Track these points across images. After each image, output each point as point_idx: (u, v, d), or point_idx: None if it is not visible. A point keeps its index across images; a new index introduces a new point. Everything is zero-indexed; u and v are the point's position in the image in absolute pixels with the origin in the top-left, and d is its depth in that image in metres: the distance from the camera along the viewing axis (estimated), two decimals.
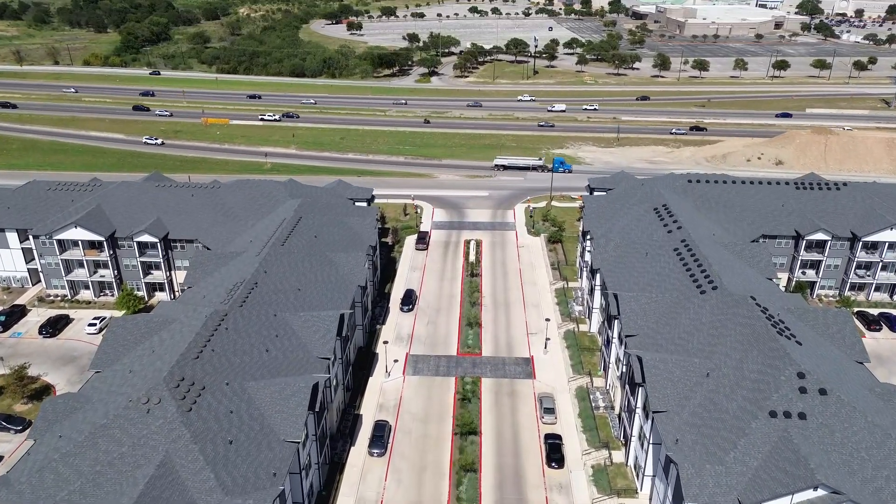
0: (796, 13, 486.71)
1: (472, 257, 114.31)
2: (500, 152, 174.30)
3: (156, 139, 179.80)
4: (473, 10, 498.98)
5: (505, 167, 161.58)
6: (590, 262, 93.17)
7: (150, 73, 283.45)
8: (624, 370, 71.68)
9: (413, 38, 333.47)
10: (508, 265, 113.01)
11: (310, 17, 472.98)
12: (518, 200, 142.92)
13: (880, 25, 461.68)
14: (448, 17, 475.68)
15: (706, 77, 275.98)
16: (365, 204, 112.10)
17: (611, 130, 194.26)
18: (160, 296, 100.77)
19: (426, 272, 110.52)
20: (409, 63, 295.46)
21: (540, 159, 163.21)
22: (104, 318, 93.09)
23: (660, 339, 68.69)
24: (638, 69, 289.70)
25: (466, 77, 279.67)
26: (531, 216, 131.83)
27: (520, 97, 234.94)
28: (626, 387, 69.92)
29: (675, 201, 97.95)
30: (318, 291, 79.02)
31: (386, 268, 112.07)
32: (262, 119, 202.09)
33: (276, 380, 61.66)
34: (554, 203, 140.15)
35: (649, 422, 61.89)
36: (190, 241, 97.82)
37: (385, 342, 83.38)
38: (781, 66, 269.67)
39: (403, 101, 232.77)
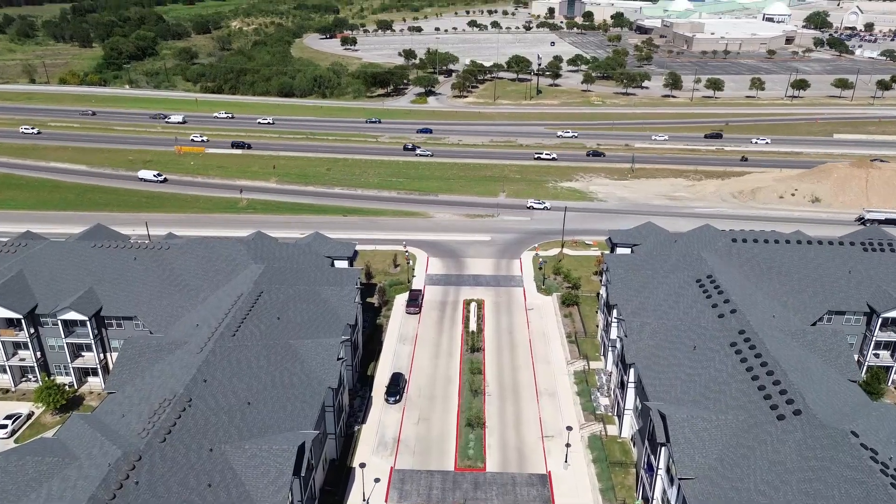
0: (804, 27, 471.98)
1: (472, 324, 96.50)
2: (503, 185, 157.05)
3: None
4: (472, 23, 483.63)
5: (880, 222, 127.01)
6: (619, 349, 75.39)
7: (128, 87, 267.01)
8: None
9: (409, 54, 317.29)
10: (516, 335, 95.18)
11: (303, 31, 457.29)
12: (525, 247, 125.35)
13: (892, 40, 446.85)
14: (446, 31, 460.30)
15: (720, 97, 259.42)
16: (345, 263, 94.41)
17: (623, 160, 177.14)
18: (93, 382, 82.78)
19: (418, 345, 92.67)
20: (405, 82, 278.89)
21: None
22: (19, 416, 75.33)
23: (727, 486, 50.84)
24: (647, 87, 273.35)
25: (465, 97, 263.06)
26: (540, 268, 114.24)
27: (559, 133, 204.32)
28: None
29: (720, 269, 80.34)
30: (274, 403, 61.16)
31: (370, 339, 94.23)
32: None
33: None
34: (566, 250, 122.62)
35: None
36: (128, 319, 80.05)
37: (362, 465, 65.46)
38: (800, 85, 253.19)
39: (376, 121, 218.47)
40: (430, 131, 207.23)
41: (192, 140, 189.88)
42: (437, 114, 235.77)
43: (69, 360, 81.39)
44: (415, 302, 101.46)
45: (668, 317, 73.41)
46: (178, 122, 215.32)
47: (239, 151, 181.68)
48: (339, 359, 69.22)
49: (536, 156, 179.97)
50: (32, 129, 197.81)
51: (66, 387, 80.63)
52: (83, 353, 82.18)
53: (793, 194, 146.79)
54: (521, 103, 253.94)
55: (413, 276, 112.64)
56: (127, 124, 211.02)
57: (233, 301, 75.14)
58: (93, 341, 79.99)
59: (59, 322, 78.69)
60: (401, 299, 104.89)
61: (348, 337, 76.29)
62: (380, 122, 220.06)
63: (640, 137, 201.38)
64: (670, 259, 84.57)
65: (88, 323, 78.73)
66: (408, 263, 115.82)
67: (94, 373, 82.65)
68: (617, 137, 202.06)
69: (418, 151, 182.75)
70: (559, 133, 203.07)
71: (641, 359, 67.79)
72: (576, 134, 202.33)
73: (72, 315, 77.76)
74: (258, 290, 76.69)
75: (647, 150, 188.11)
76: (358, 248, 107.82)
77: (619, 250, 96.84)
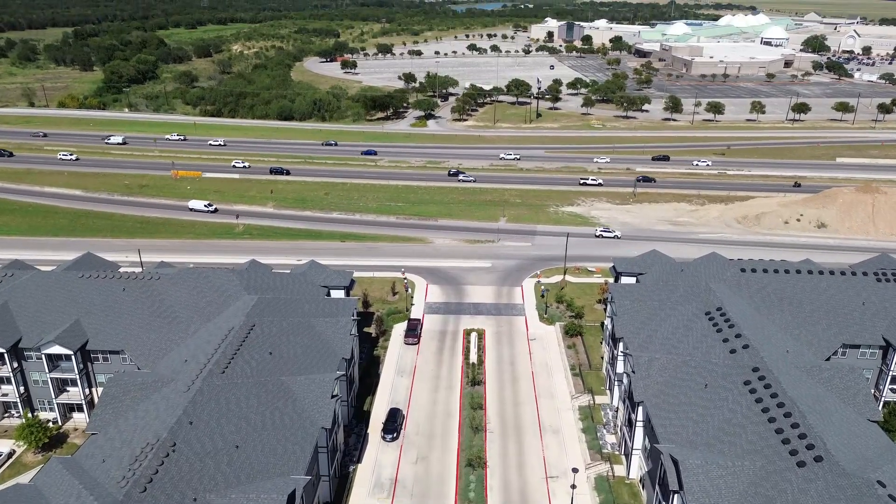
0: (802, 50, 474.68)
1: (472, 356, 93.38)
2: (504, 209, 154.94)
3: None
4: (472, 47, 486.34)
5: None
6: (626, 385, 72.24)
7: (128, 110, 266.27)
8: None
9: (409, 77, 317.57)
10: (518, 367, 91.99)
11: (304, 55, 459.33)
12: (526, 274, 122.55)
13: (890, 63, 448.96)
14: (446, 54, 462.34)
15: (721, 121, 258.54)
16: (342, 293, 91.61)
17: (625, 184, 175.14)
18: (78, 418, 79.44)
19: (416, 378, 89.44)
20: (405, 105, 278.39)
21: None
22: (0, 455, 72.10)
23: None
24: (647, 111, 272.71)
25: (465, 120, 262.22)
26: (543, 296, 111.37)
27: (595, 158, 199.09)
28: None
29: (729, 300, 77.49)
30: (264, 445, 57.93)
31: (367, 372, 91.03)
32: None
33: None
34: (568, 277, 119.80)
35: None
36: (115, 353, 76.98)
37: None
38: (801, 109, 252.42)
39: (333, 143, 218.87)
40: (375, 153, 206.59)
41: (234, 166, 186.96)
42: (436, 137, 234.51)
43: (53, 396, 78.14)
44: (413, 332, 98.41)
45: (677, 351, 70.40)
46: (118, 143, 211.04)
47: (237, 177, 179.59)
48: (333, 396, 66.12)
49: (582, 181, 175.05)
50: (70, 154, 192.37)
51: (51, 423, 77.47)
52: (68, 389, 78.92)
53: (798, 220, 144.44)
54: (520, 127, 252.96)
55: (412, 305, 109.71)
56: (125, 149, 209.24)
57: (224, 335, 72.17)
58: (78, 376, 76.82)
59: (43, 356, 75.63)
60: (399, 329, 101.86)
61: (343, 372, 73.18)
62: (336, 144, 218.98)
63: (641, 162, 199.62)
64: (677, 290, 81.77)
65: (73, 357, 75.62)
66: (406, 291, 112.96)
67: (80, 408, 79.28)
68: (617, 161, 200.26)
69: (461, 177, 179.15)
70: (595, 159, 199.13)
71: (650, 397, 64.69)
72: (609, 159, 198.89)
73: (56, 349, 74.71)
74: (250, 323, 73.77)
75: (650, 174, 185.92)
76: (356, 275, 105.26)
77: (624, 279, 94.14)
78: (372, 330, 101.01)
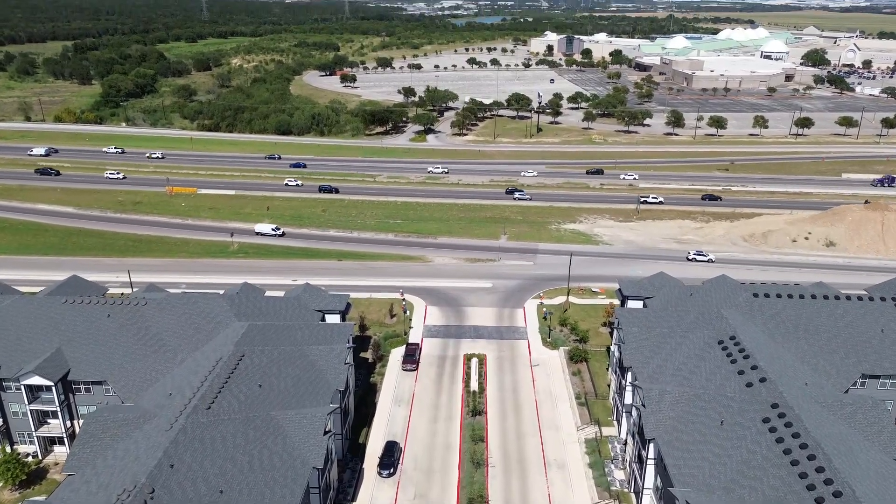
0: (802, 64, 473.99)
1: (473, 383, 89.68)
2: (504, 227, 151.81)
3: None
4: (472, 61, 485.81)
5: None
6: (636, 418, 68.55)
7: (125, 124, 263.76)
8: None
9: (409, 91, 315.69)
10: (521, 396, 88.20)
11: (303, 69, 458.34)
12: (529, 294, 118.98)
13: (891, 77, 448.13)
14: (446, 68, 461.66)
15: (724, 135, 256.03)
16: (337, 318, 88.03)
17: (627, 200, 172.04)
18: (59, 452, 75.59)
19: (415, 407, 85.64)
20: (404, 119, 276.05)
21: None
22: None
23: None
24: (649, 125, 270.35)
25: (465, 135, 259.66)
26: (545, 319, 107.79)
27: (623, 175, 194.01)
28: None
29: (742, 328, 73.93)
30: (251, 489, 54.15)
31: (363, 400, 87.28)
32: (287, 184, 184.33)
33: None
34: (572, 298, 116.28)
35: None
36: (98, 384, 73.29)
37: None
38: (805, 123, 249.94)
39: (276, 156, 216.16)
40: (304, 165, 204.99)
41: (287, 184, 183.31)
42: (436, 152, 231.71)
43: (33, 429, 74.37)
44: (412, 358, 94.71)
45: (689, 383, 66.73)
46: (41, 155, 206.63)
47: (232, 193, 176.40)
48: (326, 433, 62.41)
49: (642, 199, 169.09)
50: (118, 173, 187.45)
51: (30, 457, 73.86)
52: (49, 421, 75.20)
53: (806, 238, 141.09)
54: (521, 141, 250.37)
55: (410, 328, 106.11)
56: (119, 163, 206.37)
57: (211, 365, 68.52)
58: (59, 408, 73.09)
59: (22, 387, 71.94)
60: (397, 354, 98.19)
61: (337, 405, 69.54)
62: (279, 157, 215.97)
63: (647, 177, 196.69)
64: (688, 316, 78.20)
65: (54, 388, 71.97)
66: (405, 313, 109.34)
67: (61, 441, 75.49)
68: (620, 176, 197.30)
69: (517, 195, 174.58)
70: (622, 176, 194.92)
71: (662, 433, 60.98)
72: (636, 175, 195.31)
73: (36, 380, 71.05)
74: (239, 352, 70.15)
75: (652, 190, 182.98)
76: (353, 296, 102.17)
77: (631, 303, 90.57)
78: (369, 355, 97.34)
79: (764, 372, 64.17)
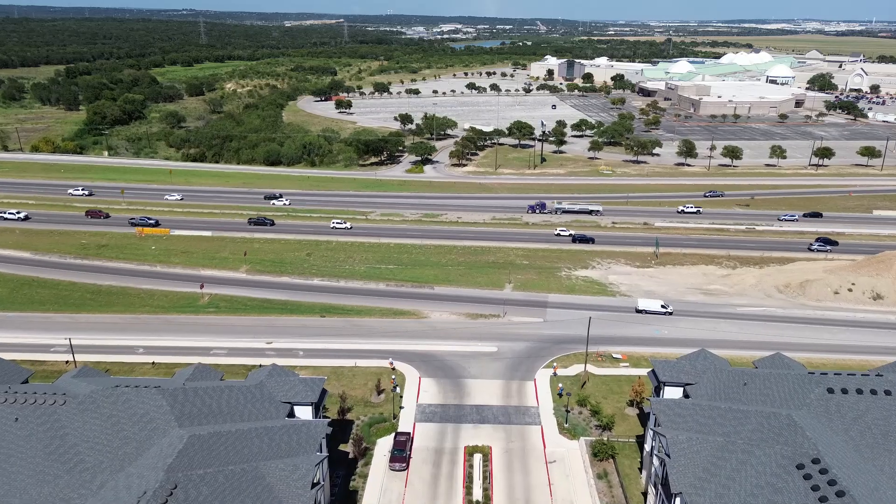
0: (807, 89, 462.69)
1: (476, 491, 73.06)
2: (510, 273, 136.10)
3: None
4: (471, 86, 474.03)
5: None
6: None
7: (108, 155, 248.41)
8: None
9: (406, 118, 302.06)
10: None
11: (298, 94, 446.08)
12: (540, 362, 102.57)
13: None
14: (444, 93, 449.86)
15: (739, 166, 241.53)
16: (308, 411, 71.62)
17: (644, 242, 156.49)
18: None
19: None
20: (400, 149, 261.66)
21: None
22: None
23: None
24: (659, 155, 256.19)
25: (465, 166, 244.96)
26: (560, 395, 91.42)
27: (680, 208, 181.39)
28: None
29: (826, 445, 57.47)
30: None
31: None
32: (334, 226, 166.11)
33: None
34: (591, 368, 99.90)
35: None
36: None
37: None
38: (824, 153, 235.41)
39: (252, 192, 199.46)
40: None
41: (333, 226, 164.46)
42: (433, 185, 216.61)
43: None
44: (401, 453, 78.07)
45: None
46: None
47: (209, 234, 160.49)
48: None
49: (680, 210, 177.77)
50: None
51: None
52: None
53: (850, 289, 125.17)
54: (524, 173, 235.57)
55: (401, 408, 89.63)
56: (92, 201, 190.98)
57: (134, 501, 51.97)
58: None
59: None
60: (384, 445, 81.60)
61: None
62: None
63: (660, 214, 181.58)
64: (748, 420, 61.78)
65: None
66: (394, 389, 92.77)
67: None
68: (633, 213, 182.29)
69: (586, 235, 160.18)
70: (680, 208, 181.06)
71: None
72: (699, 209, 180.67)
73: None
74: (171, 481, 53.62)
75: (669, 229, 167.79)
76: (335, 363, 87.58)
77: (668, 390, 74.27)
78: (349, 449, 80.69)
79: None
